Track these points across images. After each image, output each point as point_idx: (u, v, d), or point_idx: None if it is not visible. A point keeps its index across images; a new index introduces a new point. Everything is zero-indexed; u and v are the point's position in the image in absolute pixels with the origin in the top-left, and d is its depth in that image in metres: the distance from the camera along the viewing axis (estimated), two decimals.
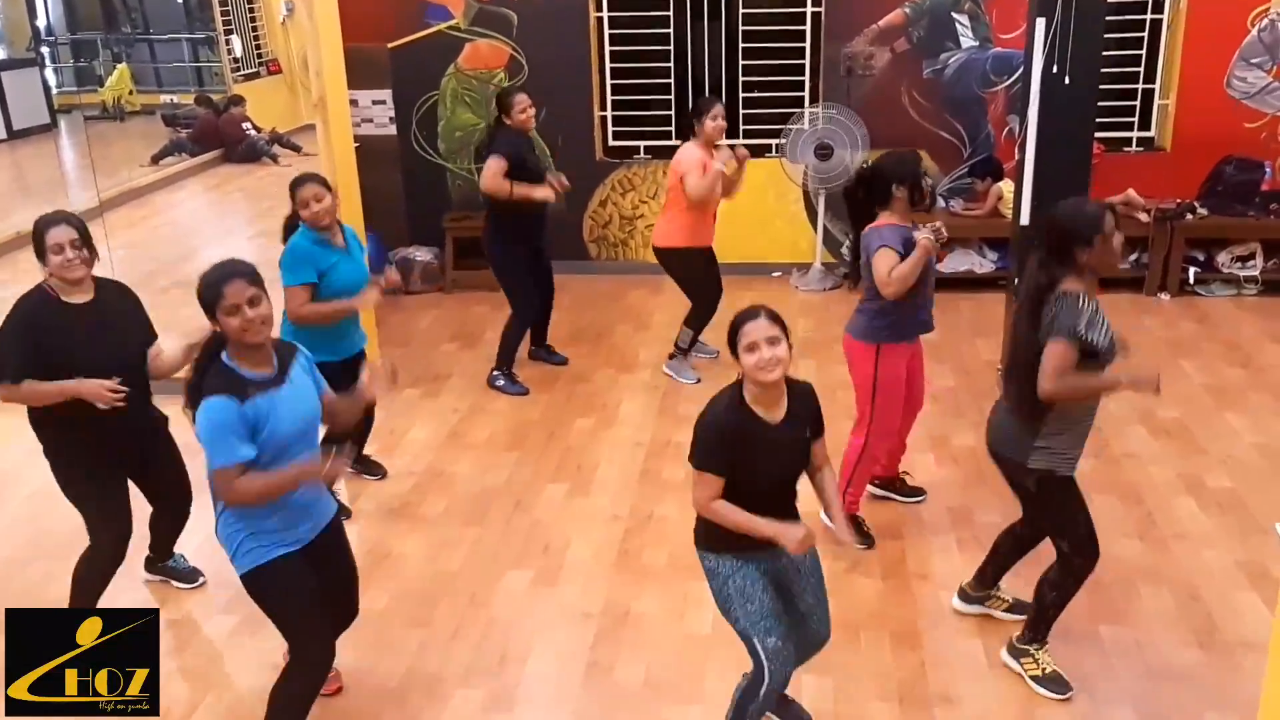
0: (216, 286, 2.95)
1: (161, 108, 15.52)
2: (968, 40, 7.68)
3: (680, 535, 4.34)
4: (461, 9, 8.04)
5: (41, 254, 3.64)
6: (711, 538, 3.14)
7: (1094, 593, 4.22)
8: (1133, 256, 7.58)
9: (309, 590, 3.17)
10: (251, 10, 14.51)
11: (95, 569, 3.90)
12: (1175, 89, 7.70)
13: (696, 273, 6.20)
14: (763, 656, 3.10)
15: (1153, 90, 7.85)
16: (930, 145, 7.86)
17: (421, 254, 8.10)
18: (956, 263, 7.74)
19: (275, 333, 3.19)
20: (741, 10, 7.87)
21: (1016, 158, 6.14)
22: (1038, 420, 3.51)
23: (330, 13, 6.15)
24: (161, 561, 4.44)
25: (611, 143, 8.31)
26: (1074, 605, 4.14)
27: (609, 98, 8.20)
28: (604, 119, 8.23)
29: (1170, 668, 3.82)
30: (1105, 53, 5.55)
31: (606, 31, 8.04)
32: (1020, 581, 4.06)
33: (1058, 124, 5.46)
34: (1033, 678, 3.73)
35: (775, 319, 2.99)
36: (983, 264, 7.70)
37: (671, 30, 7.96)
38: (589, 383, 6.40)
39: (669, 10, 7.94)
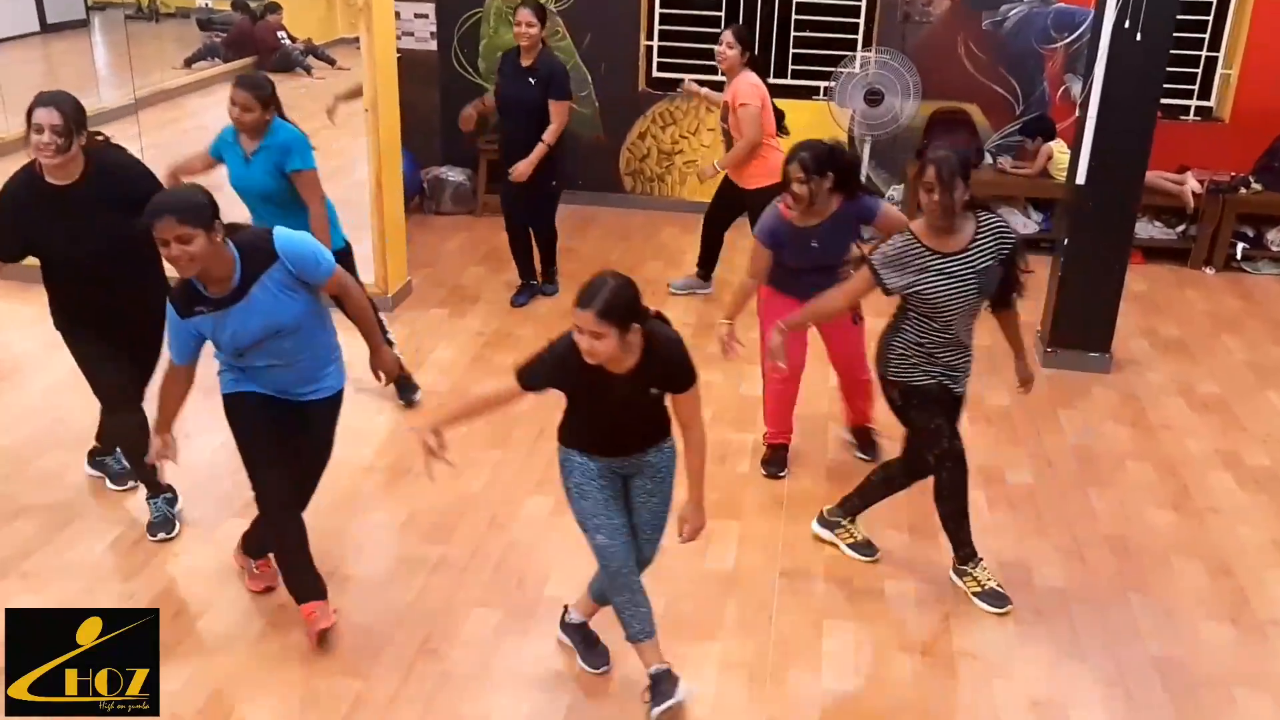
0: (148, 219, 3.02)
1: (196, 11, 15.30)
2: None
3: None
4: None
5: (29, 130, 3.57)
6: (563, 432, 3.22)
7: (1124, 559, 4.16)
8: (1180, 227, 7.41)
9: (262, 431, 3.42)
10: None
11: (106, 426, 4.21)
12: (1239, 59, 7.47)
13: None
14: (593, 551, 3.22)
15: (1215, 59, 7.61)
16: (983, 99, 7.67)
17: (454, 175, 7.97)
18: None
19: None
20: None
21: (1076, 116, 5.94)
22: (887, 340, 3.78)
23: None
24: (102, 455, 4.40)
25: (655, 74, 8.12)
26: (1103, 568, 4.09)
27: (656, 27, 8.00)
28: (649, 49, 8.03)
29: (1199, 640, 3.74)
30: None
31: None
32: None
33: (1124, 82, 5.27)
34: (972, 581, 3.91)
35: (607, 316, 2.81)
36: (1026, 224, 7.52)
37: None
38: None
39: None
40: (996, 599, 3.85)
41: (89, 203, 3.63)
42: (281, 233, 3.24)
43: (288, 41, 13.26)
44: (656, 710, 3.17)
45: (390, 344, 4.38)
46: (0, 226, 3.66)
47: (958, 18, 7.54)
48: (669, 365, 3.04)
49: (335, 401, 3.57)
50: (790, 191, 4.12)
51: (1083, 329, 5.76)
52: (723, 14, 7.88)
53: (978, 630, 3.76)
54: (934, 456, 3.80)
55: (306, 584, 3.53)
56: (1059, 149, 7.25)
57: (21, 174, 3.64)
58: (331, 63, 12.69)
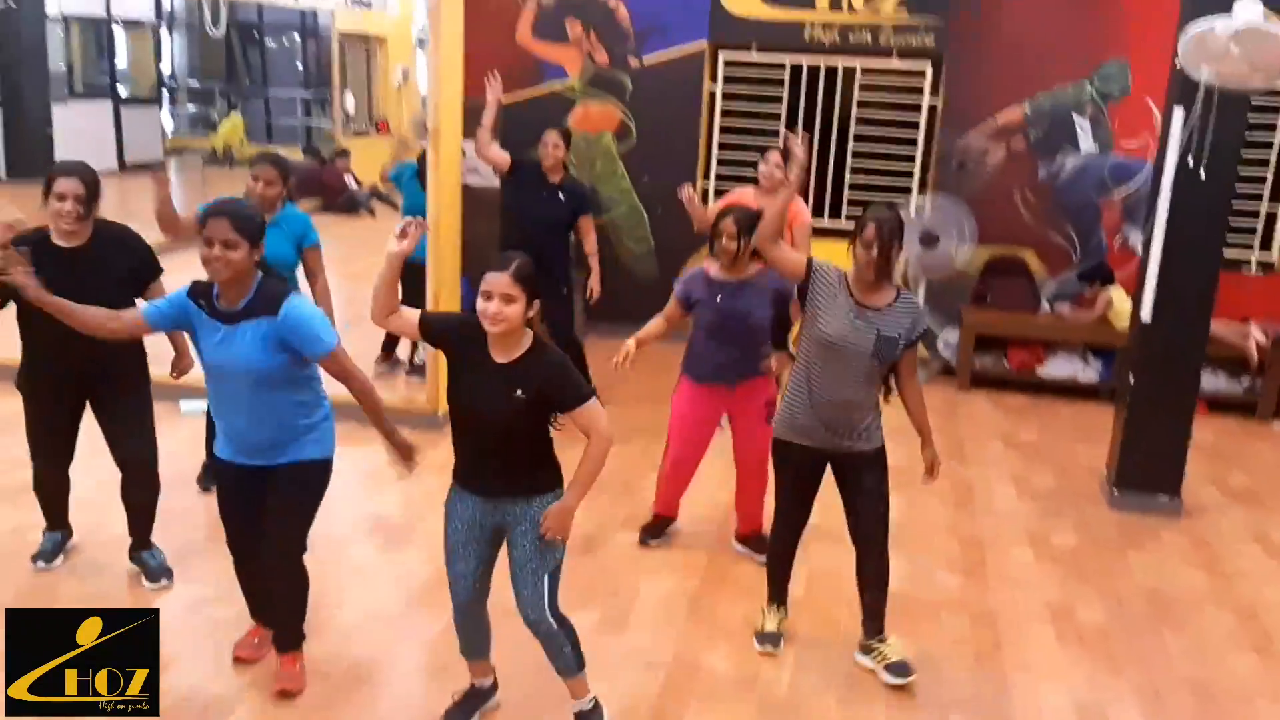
0: (205, 217, 3.20)
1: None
2: (1087, 144, 7.53)
3: None
4: (578, 70, 8.14)
5: (47, 195, 3.82)
6: (454, 466, 3.27)
7: (1206, 702, 3.91)
8: (1245, 380, 7.25)
9: (221, 498, 3.56)
10: (369, 73, 14.98)
11: (39, 493, 4.30)
12: None
13: None
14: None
15: (1276, 214, 7.60)
16: (1040, 246, 7.68)
17: None
18: (1058, 369, 7.47)
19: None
20: (857, 96, 7.83)
21: (1138, 261, 5.90)
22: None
23: (455, 62, 6.19)
24: (136, 551, 4.35)
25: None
26: (1183, 711, 3.85)
27: (714, 170, 8.17)
28: (705, 191, 8.19)
29: None
30: None
31: (719, 105, 8.05)
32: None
33: (1187, 223, 5.24)
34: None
35: (520, 279, 2.97)
36: (1085, 371, 7.42)
37: (784, 108, 7.94)
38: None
39: (783, 90, 7.93)
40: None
41: (91, 264, 3.85)
42: (297, 300, 3.33)
43: (354, 185, 13.79)
44: None
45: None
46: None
47: (1014, 167, 7.63)
48: (549, 370, 3.07)
49: (302, 470, 3.47)
50: (720, 245, 4.41)
51: (1151, 472, 5.57)
52: None
53: None
54: (776, 512, 3.98)
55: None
56: (1118, 295, 7.20)
57: (32, 233, 3.86)
58: (395, 206, 13.16)
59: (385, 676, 3.79)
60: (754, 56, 7.92)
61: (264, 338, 3.27)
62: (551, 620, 3.26)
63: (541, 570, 3.21)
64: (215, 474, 3.55)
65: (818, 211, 7.76)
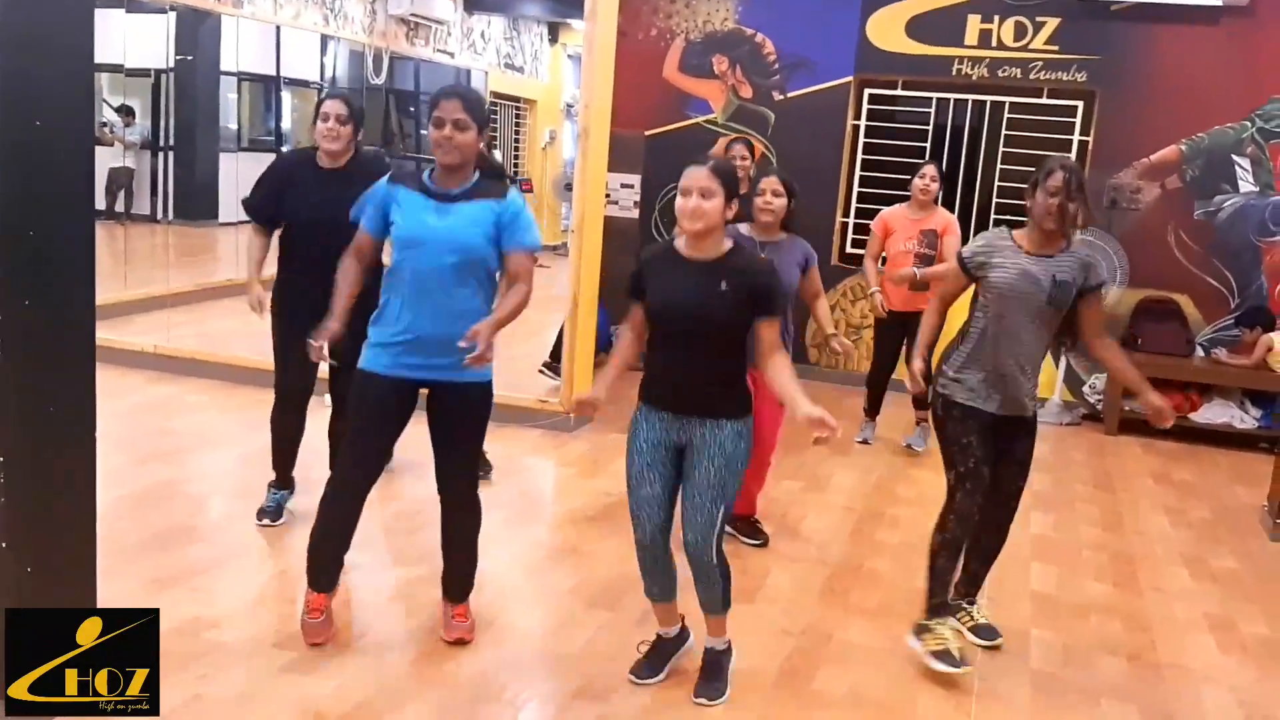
0: (436, 98, 3.19)
1: None
2: (1247, 185, 7.24)
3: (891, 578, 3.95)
4: (722, 104, 8.25)
5: (315, 117, 4.11)
6: (641, 384, 3.23)
7: None
8: None
9: (369, 413, 3.35)
10: (517, 134, 15.43)
11: (273, 423, 4.41)
12: None
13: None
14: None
15: None
16: (1194, 290, 7.37)
17: None
18: (1214, 414, 7.09)
19: None
20: (1004, 132, 7.73)
21: None
22: (950, 349, 3.73)
23: (604, 103, 6.32)
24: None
25: (849, 249, 8.19)
26: None
27: (853, 205, 8.13)
28: (844, 225, 8.14)
29: None
30: None
31: (861, 140, 8.04)
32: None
33: None
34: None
35: (719, 173, 3.01)
36: (1243, 419, 7.03)
37: (928, 144, 7.88)
38: (794, 455, 6.05)
39: (929, 125, 7.89)
40: (948, 659, 3.52)
41: (347, 184, 3.76)
42: (519, 195, 3.34)
43: None
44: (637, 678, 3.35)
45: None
46: (263, 191, 4.24)
47: (1168, 206, 7.38)
48: (759, 272, 3.11)
49: (481, 391, 3.37)
50: (760, 204, 4.44)
51: None
52: None
53: None
54: (954, 474, 3.61)
55: (319, 573, 3.48)
56: (1279, 340, 6.84)
57: (298, 151, 4.21)
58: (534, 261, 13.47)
59: (516, 616, 3.75)
60: (899, 91, 7.92)
61: (482, 219, 3.23)
62: (715, 551, 3.17)
63: (720, 500, 3.13)
64: (359, 389, 3.36)
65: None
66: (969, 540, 3.73)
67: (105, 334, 6.07)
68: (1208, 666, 3.83)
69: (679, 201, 3.01)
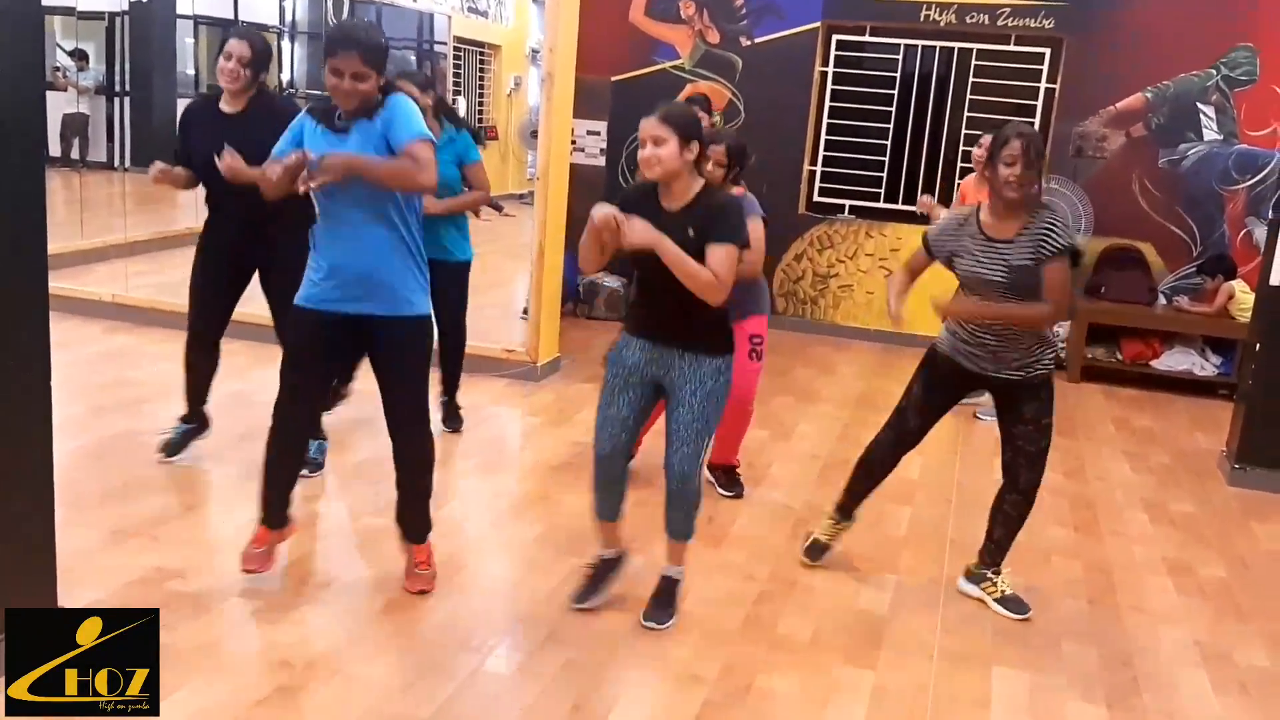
0: (331, 46, 3.10)
1: None
2: (1211, 133, 7.28)
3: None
4: (689, 50, 8.16)
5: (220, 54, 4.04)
6: (625, 315, 3.33)
7: None
8: None
9: (298, 346, 3.39)
10: (482, 80, 15.20)
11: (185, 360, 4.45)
12: None
13: None
14: None
15: None
16: (1158, 238, 7.42)
17: (610, 281, 8.05)
18: (1175, 361, 7.18)
19: None
20: (971, 79, 7.70)
21: (1259, 260, 5.66)
22: None
23: (569, 48, 6.21)
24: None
25: (816, 198, 8.16)
26: None
27: (821, 152, 8.09)
28: (812, 173, 8.11)
29: None
30: None
31: (829, 87, 7.99)
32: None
33: None
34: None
35: (669, 119, 3.04)
36: (1204, 367, 7.12)
37: (895, 91, 7.84)
38: (761, 405, 6.07)
39: (896, 72, 7.84)
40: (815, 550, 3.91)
41: (247, 128, 3.89)
42: (399, 95, 3.25)
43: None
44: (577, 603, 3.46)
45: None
46: (179, 133, 4.25)
47: (1133, 155, 7.41)
48: (713, 205, 3.12)
49: (418, 324, 3.35)
50: (709, 170, 4.12)
51: (1275, 447, 5.29)
52: (888, 143, 7.93)
53: (1176, 697, 3.29)
54: (895, 408, 3.80)
55: (265, 505, 3.51)
56: (1241, 289, 6.91)
57: (200, 97, 4.03)
58: (498, 209, 13.32)
59: (483, 564, 3.75)
60: (867, 38, 7.86)
61: (372, 135, 3.16)
62: (697, 479, 3.27)
63: (705, 432, 3.23)
64: (292, 324, 3.39)
65: (924, 194, 7.62)
66: (993, 504, 3.77)
67: (62, 284, 5.99)
68: (1166, 608, 3.90)
69: (639, 153, 3.06)
